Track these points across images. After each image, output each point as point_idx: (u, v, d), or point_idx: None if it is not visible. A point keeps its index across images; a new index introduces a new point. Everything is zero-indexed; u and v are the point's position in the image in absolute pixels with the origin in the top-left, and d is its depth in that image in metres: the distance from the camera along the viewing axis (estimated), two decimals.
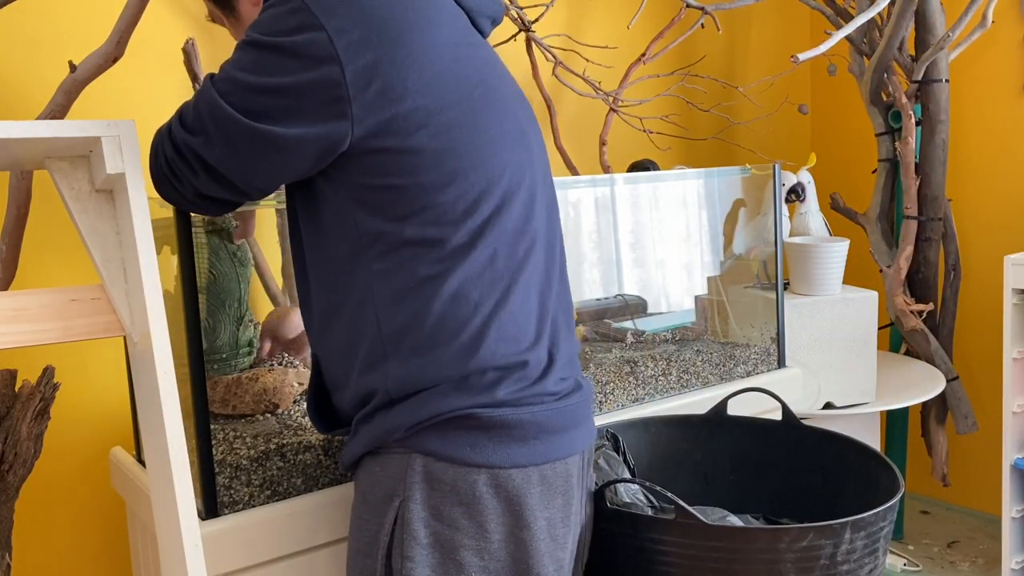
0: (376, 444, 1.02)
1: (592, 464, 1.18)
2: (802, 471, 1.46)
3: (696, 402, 1.68)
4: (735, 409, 1.54)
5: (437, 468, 0.98)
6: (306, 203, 1.04)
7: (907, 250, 2.27)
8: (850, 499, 1.36)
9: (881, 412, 2.30)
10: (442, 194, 0.97)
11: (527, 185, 1.06)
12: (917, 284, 2.36)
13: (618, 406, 1.62)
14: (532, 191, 1.07)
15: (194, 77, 1.57)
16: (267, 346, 1.49)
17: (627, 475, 1.36)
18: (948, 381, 2.29)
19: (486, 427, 0.98)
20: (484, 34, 1.12)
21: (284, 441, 1.28)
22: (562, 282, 1.14)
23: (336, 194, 0.99)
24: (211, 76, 1.00)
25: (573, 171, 2.24)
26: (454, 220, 0.98)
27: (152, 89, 1.68)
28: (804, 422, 1.50)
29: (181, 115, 1.02)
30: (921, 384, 2.18)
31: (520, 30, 2.07)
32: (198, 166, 0.99)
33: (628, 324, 1.82)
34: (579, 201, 1.70)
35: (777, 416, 1.51)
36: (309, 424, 1.36)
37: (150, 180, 1.06)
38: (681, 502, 1.13)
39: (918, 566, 2.34)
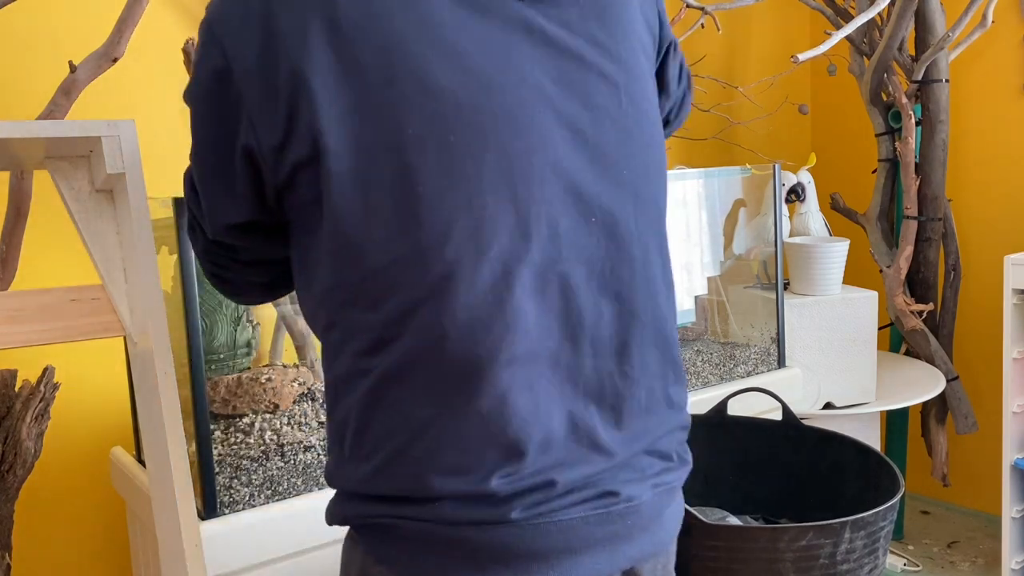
0: (333, 521, 0.84)
1: None
2: (802, 471, 1.46)
3: (696, 402, 1.68)
4: (735, 409, 1.54)
5: (375, 573, 0.79)
6: None
7: (907, 250, 2.27)
8: (850, 499, 1.36)
9: (881, 412, 2.29)
10: None
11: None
12: (917, 284, 2.36)
13: None
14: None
15: None
16: None
17: None
18: (948, 381, 2.29)
19: (423, 540, 0.76)
20: None
21: (284, 441, 1.28)
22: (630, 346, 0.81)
23: None
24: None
25: None
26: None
27: (152, 89, 1.68)
28: (804, 422, 1.50)
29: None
30: (921, 384, 2.18)
31: None
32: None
33: None
34: None
35: (777, 416, 1.51)
36: (309, 424, 1.36)
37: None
38: None
39: (918, 566, 2.34)
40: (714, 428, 1.53)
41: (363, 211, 0.73)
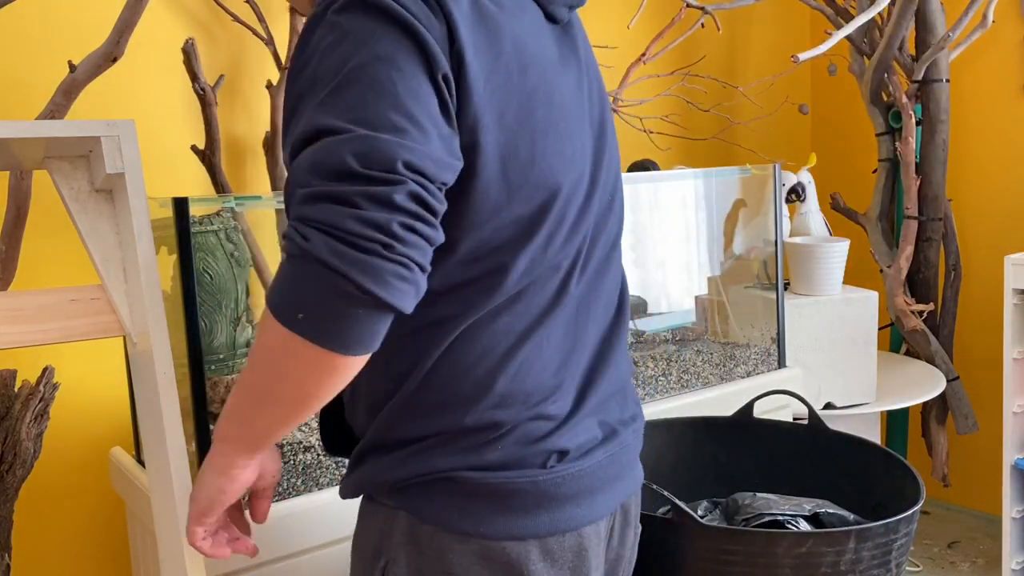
0: (363, 491, 0.91)
1: (635, 517, 0.99)
2: (831, 477, 1.43)
3: (697, 402, 1.68)
4: (730, 408, 1.54)
5: (423, 532, 0.86)
6: None
7: (907, 250, 2.27)
8: (874, 506, 1.32)
9: (881, 412, 2.29)
10: None
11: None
12: (917, 284, 2.36)
13: None
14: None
15: (194, 77, 1.57)
16: None
17: None
18: (948, 381, 2.29)
19: (475, 492, 0.85)
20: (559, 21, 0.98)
21: (284, 441, 1.28)
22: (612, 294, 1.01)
23: None
24: None
25: None
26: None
27: (152, 89, 1.68)
28: (807, 423, 1.49)
29: None
30: (921, 384, 2.18)
31: None
32: None
33: (628, 324, 1.82)
34: None
35: (782, 416, 1.50)
36: (309, 424, 1.36)
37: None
38: (677, 500, 1.12)
39: (919, 566, 2.34)
40: (739, 430, 1.51)
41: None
